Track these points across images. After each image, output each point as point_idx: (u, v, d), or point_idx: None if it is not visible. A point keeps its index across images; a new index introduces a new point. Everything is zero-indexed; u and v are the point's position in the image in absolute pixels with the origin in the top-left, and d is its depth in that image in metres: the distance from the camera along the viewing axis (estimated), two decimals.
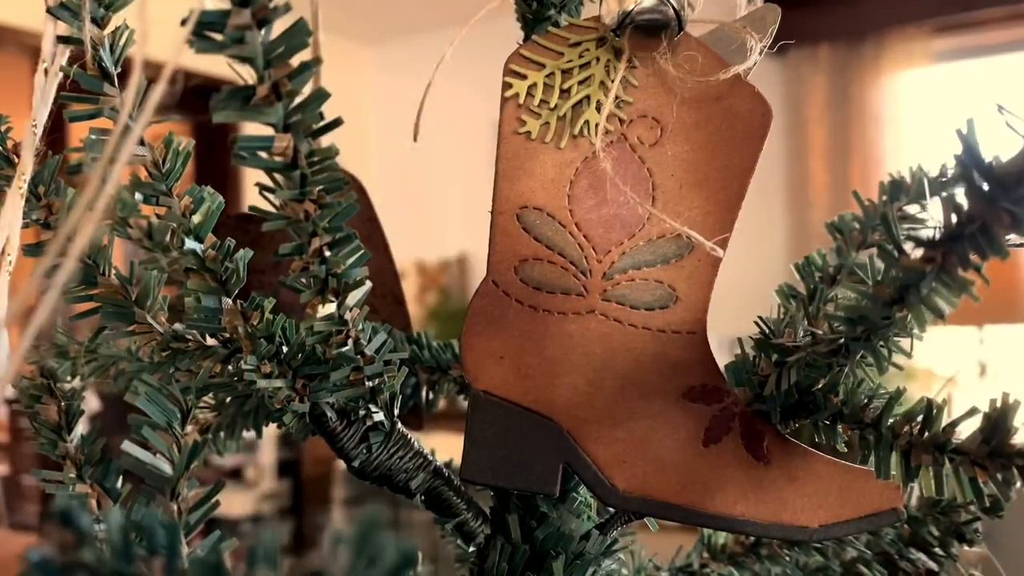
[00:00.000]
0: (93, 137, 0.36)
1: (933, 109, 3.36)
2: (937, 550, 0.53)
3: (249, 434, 0.51)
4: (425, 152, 3.82)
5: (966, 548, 0.54)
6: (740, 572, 0.51)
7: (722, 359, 0.40)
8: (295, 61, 0.29)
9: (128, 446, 0.33)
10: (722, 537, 0.51)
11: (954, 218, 0.27)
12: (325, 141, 0.32)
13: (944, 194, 0.27)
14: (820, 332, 0.34)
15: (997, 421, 0.33)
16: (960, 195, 0.26)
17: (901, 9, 3.50)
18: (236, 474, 3.45)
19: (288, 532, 3.54)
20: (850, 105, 3.56)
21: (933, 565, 0.54)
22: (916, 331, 0.32)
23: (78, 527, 0.20)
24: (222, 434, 0.52)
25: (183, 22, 0.26)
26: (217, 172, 2.41)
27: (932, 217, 0.41)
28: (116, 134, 0.28)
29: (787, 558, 0.51)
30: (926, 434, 0.34)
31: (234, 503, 3.30)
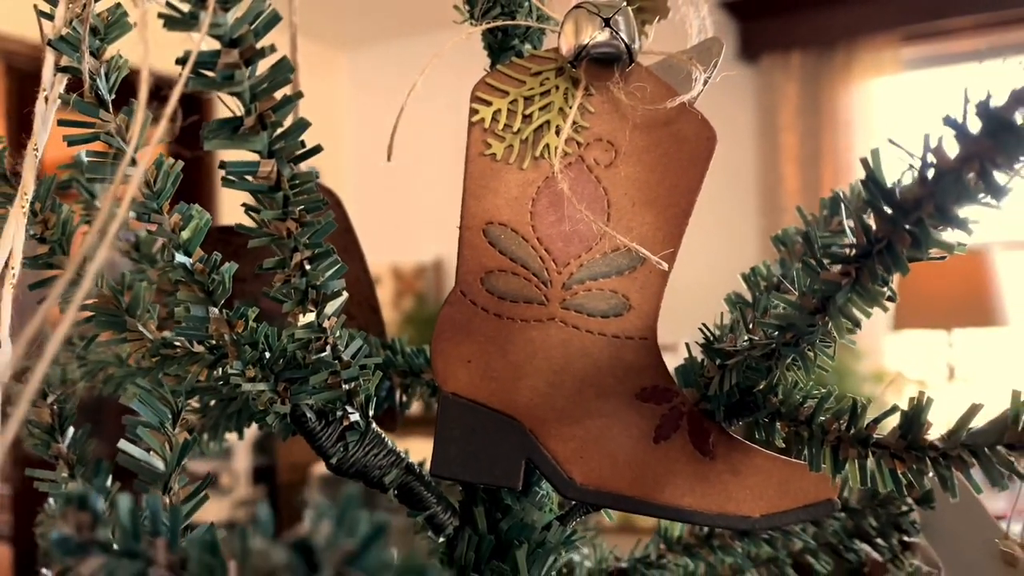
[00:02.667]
0: (87, 159, 0.39)
1: (902, 116, 3.43)
2: (879, 541, 0.57)
3: (225, 441, 0.54)
4: (401, 158, 3.84)
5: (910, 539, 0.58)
6: (694, 562, 0.55)
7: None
8: (278, 94, 0.32)
9: (124, 444, 0.36)
10: (677, 529, 0.54)
11: (864, 237, 0.30)
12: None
13: (855, 216, 0.30)
14: (756, 338, 0.38)
15: (913, 418, 0.36)
16: (869, 217, 0.30)
17: (871, 18, 3.56)
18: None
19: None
20: (821, 112, 3.62)
21: (876, 555, 0.58)
22: (843, 337, 0.35)
23: (93, 510, 0.23)
24: (206, 436, 0.55)
25: (180, 61, 0.29)
26: (190, 184, 2.43)
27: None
28: (124, 163, 0.31)
29: (739, 549, 0.55)
30: (852, 430, 0.38)
31: (209, 509, 3.30)
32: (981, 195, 0.26)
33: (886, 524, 0.55)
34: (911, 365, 3.17)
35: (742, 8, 3.71)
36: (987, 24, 3.36)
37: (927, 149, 0.27)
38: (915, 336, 3.10)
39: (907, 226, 0.29)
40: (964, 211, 0.27)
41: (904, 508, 0.52)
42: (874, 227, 0.30)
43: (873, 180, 0.29)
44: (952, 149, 0.26)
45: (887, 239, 0.30)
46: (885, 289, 0.31)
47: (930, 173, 0.27)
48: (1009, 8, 3.28)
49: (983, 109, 0.24)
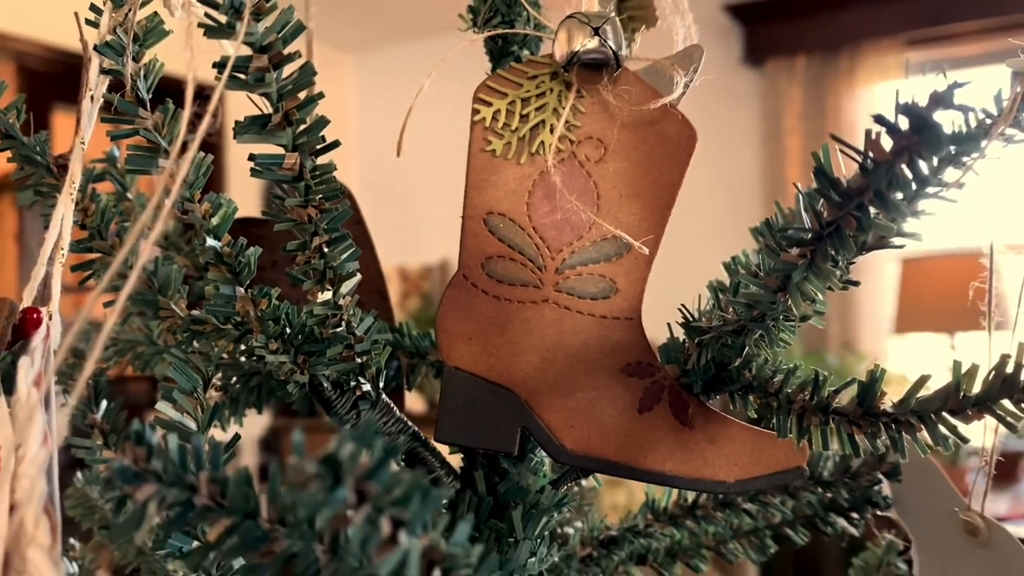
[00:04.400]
0: (129, 153, 0.43)
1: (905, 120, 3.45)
2: (853, 515, 0.61)
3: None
4: (407, 159, 3.88)
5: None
6: (679, 532, 0.59)
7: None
8: (302, 95, 0.36)
9: (160, 405, 0.40)
10: (663, 500, 0.58)
11: (816, 223, 0.34)
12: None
13: (808, 204, 0.34)
14: (729, 316, 0.42)
15: (868, 388, 0.40)
16: (821, 205, 0.34)
17: (875, 23, 3.59)
18: None
19: None
20: (826, 115, 3.65)
21: (853, 530, 0.62)
22: (801, 311, 0.39)
23: (148, 445, 0.28)
24: (227, 411, 0.59)
25: (218, 65, 0.33)
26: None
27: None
28: (174, 156, 0.36)
29: (721, 519, 0.59)
30: (815, 399, 0.42)
31: None
32: (911, 183, 0.30)
33: (859, 498, 0.59)
34: (914, 368, 3.20)
35: (748, 13, 3.75)
36: (990, 29, 3.39)
37: (867, 144, 0.31)
38: (918, 339, 3.13)
39: (852, 211, 0.33)
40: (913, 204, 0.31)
41: (873, 481, 0.56)
42: (825, 213, 0.34)
43: (822, 172, 0.33)
44: (887, 144, 0.30)
45: (836, 223, 0.34)
46: (836, 269, 0.35)
47: (869, 164, 0.31)
48: (1012, 13, 3.31)
49: (906, 109, 0.28)
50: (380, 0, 3.83)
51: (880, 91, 3.61)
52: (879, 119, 0.29)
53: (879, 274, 3.50)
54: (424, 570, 0.26)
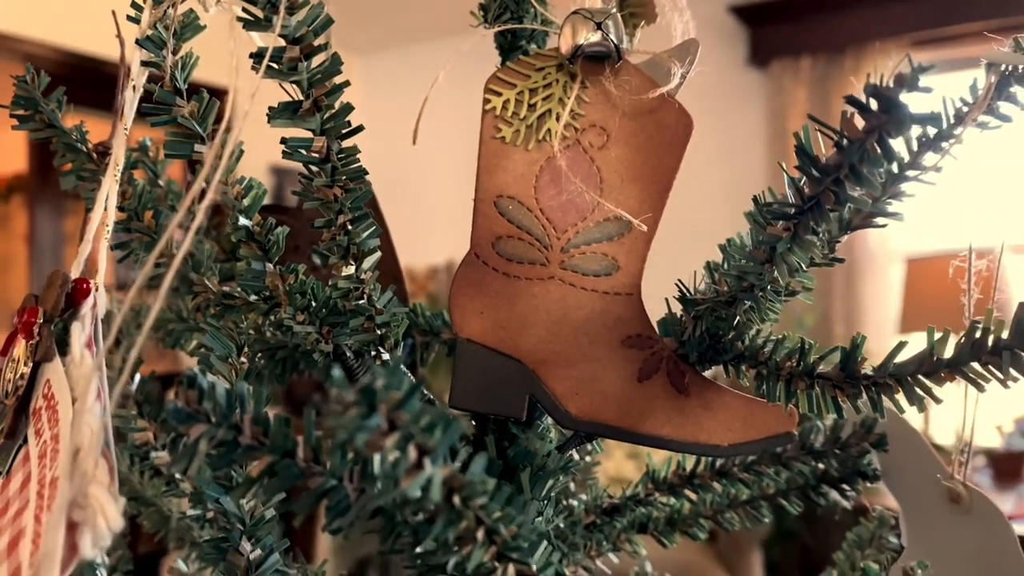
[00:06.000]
0: (167, 138, 0.47)
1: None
2: (844, 486, 0.65)
3: None
4: (413, 160, 3.92)
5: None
6: (679, 500, 0.62)
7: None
8: (330, 83, 0.40)
9: (191, 373, 0.44)
10: (663, 470, 0.62)
11: (799, 197, 0.38)
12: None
13: (791, 181, 0.38)
14: (721, 289, 0.45)
15: (850, 354, 0.44)
16: (803, 182, 0.38)
17: (880, 24, 3.61)
18: None
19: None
20: (831, 116, 3.68)
21: (845, 502, 0.65)
22: (786, 279, 0.42)
23: (200, 388, 0.31)
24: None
25: (255, 55, 0.37)
26: None
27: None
28: (216, 144, 0.39)
29: (718, 489, 0.62)
30: (801, 366, 0.45)
31: None
32: (881, 158, 0.34)
33: (850, 469, 0.63)
34: None
35: (753, 14, 3.78)
36: (995, 30, 3.41)
37: (842, 124, 0.34)
38: (923, 338, 3.15)
39: (830, 186, 0.36)
40: (874, 174, 0.35)
41: (862, 452, 0.60)
42: (806, 189, 0.37)
43: (803, 151, 0.36)
44: (860, 124, 0.34)
45: (816, 198, 0.37)
46: (818, 240, 0.39)
47: (844, 143, 0.34)
48: (1018, 15, 3.33)
49: (873, 91, 0.32)
50: (386, 3, 3.88)
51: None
52: (850, 100, 0.32)
53: (884, 274, 3.53)
54: (445, 496, 0.30)
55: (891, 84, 0.32)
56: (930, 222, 3.36)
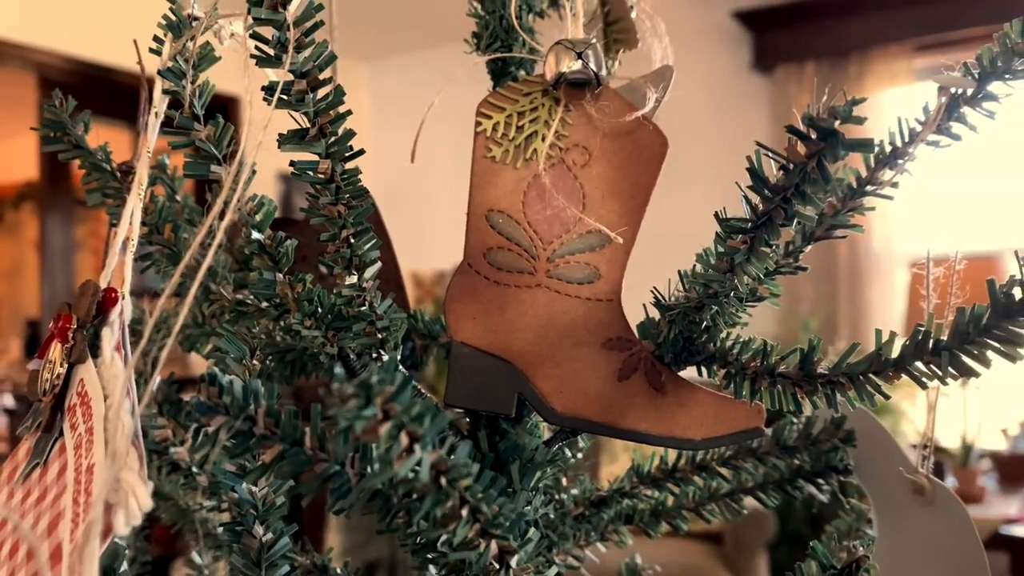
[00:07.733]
0: (186, 159, 0.51)
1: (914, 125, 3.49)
2: (819, 480, 0.69)
3: None
4: (419, 165, 3.97)
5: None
6: (662, 493, 0.66)
7: None
8: (334, 113, 0.44)
9: (212, 370, 0.48)
10: (647, 465, 0.66)
11: (754, 214, 0.42)
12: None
13: (747, 200, 0.42)
14: (690, 295, 0.50)
15: (808, 354, 0.48)
16: (756, 200, 0.42)
17: (884, 29, 3.64)
18: None
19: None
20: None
21: (821, 496, 0.70)
22: (745, 288, 0.47)
23: (220, 385, 0.36)
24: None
25: (268, 89, 0.41)
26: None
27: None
28: (234, 170, 0.44)
29: (699, 483, 0.66)
30: (764, 365, 0.49)
31: None
32: (821, 180, 0.38)
33: (823, 464, 0.67)
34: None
35: (757, 19, 3.82)
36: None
37: (787, 149, 0.39)
38: None
39: (779, 204, 0.40)
40: (815, 192, 0.39)
41: (832, 447, 0.64)
42: (759, 206, 0.42)
43: (755, 173, 0.40)
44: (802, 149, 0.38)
45: (768, 214, 0.41)
46: (770, 251, 0.43)
47: (788, 166, 0.39)
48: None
49: (808, 120, 0.36)
50: (393, 11, 3.93)
51: (889, 97, 3.66)
52: (791, 130, 0.37)
53: (889, 278, 3.56)
54: (433, 478, 0.34)
55: (825, 115, 0.36)
56: (935, 226, 3.40)
